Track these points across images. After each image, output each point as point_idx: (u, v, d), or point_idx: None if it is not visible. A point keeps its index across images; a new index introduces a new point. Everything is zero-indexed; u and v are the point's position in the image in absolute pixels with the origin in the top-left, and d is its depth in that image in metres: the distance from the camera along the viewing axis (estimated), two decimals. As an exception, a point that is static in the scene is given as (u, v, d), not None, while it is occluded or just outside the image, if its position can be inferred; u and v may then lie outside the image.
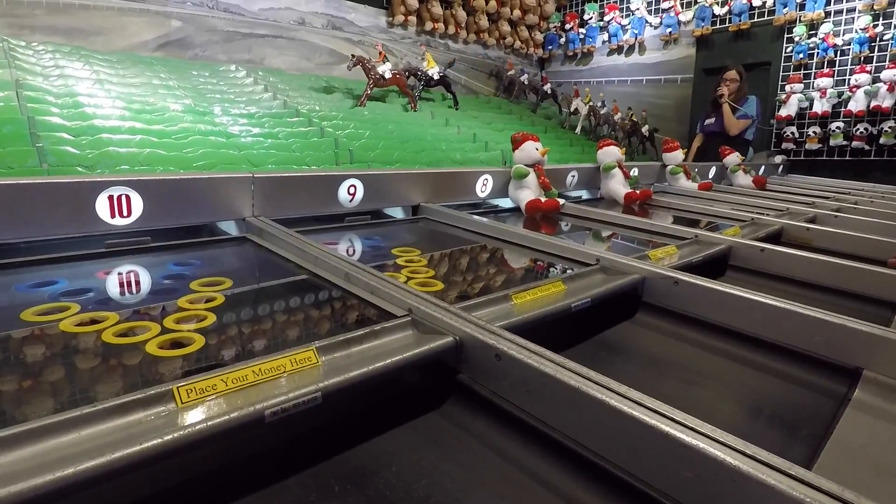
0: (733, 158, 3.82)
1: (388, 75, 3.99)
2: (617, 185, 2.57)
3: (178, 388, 0.60)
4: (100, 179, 1.18)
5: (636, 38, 6.20)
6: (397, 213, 1.92)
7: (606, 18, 6.45)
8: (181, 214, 1.33)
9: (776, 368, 1.02)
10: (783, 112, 5.22)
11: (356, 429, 0.70)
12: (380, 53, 4.06)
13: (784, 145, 5.29)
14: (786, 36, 5.19)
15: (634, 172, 2.71)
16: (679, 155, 3.26)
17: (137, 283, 1.19)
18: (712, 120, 4.88)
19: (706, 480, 0.55)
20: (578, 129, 5.56)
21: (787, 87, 5.18)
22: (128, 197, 1.20)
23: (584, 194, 2.81)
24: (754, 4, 5.29)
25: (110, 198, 1.18)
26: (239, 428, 0.57)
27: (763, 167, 4.67)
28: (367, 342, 0.78)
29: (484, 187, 2.15)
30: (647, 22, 6.12)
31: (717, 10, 5.56)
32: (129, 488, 0.55)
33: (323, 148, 2.98)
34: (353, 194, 1.68)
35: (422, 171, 1.97)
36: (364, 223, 1.76)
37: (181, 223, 1.36)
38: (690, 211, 2.44)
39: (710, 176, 3.88)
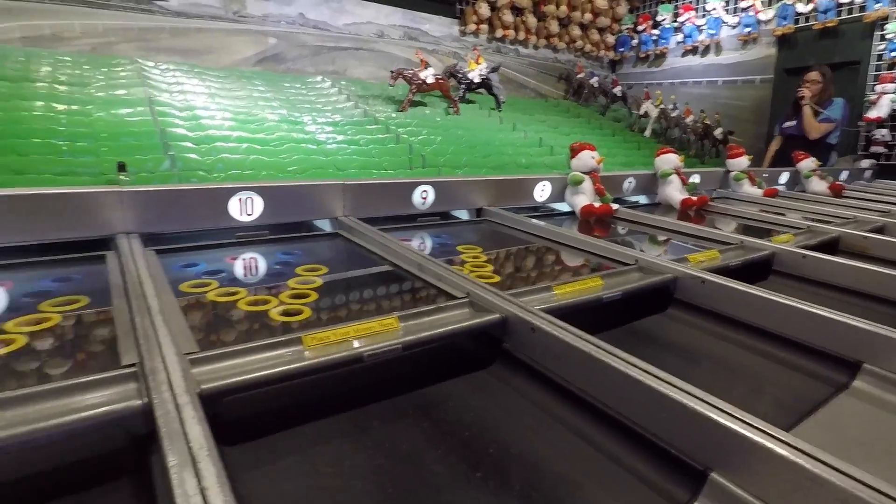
0: (807, 164, 3.73)
1: (430, 80, 4.23)
2: (673, 192, 2.67)
3: (304, 335, 0.88)
4: (232, 186, 1.52)
5: (712, 39, 6.08)
6: (463, 214, 2.16)
7: (681, 19, 6.36)
8: (290, 213, 1.66)
9: (784, 358, 1.16)
10: (872, 114, 4.95)
11: (424, 376, 0.95)
12: (421, 61, 4.31)
13: (873, 149, 5.01)
14: (877, 33, 4.92)
15: (694, 179, 2.79)
16: (744, 161, 3.26)
17: (257, 267, 1.51)
18: (792, 123, 4.71)
19: (702, 436, 0.73)
20: (648, 133, 5.55)
21: (878, 88, 4.91)
22: (252, 199, 1.53)
23: (643, 200, 2.92)
24: (842, 1, 5.05)
25: (240, 200, 1.51)
26: (346, 362, 0.84)
27: (846, 172, 4.47)
28: (435, 315, 1.03)
29: (542, 193, 2.35)
30: (723, 22, 5.98)
31: (801, 8, 5.35)
32: (278, 396, 0.83)
33: (398, 153, 3.29)
34: (425, 198, 1.95)
35: (485, 177, 2.20)
36: (434, 223, 2.03)
37: (289, 220, 1.68)
38: (747, 217, 2.50)
39: (783, 181, 3.82)
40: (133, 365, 0.74)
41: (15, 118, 2.48)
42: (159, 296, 0.97)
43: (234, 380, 0.74)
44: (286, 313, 1.17)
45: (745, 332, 1.25)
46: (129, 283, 1.02)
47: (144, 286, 1.00)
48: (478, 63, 4.84)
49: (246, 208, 1.52)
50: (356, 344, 0.88)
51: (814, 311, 1.13)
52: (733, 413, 0.74)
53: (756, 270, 1.72)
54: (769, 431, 0.71)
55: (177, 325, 0.89)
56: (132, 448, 0.67)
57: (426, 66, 4.26)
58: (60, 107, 2.77)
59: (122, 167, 2.07)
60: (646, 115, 5.69)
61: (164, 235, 1.51)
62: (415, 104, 4.28)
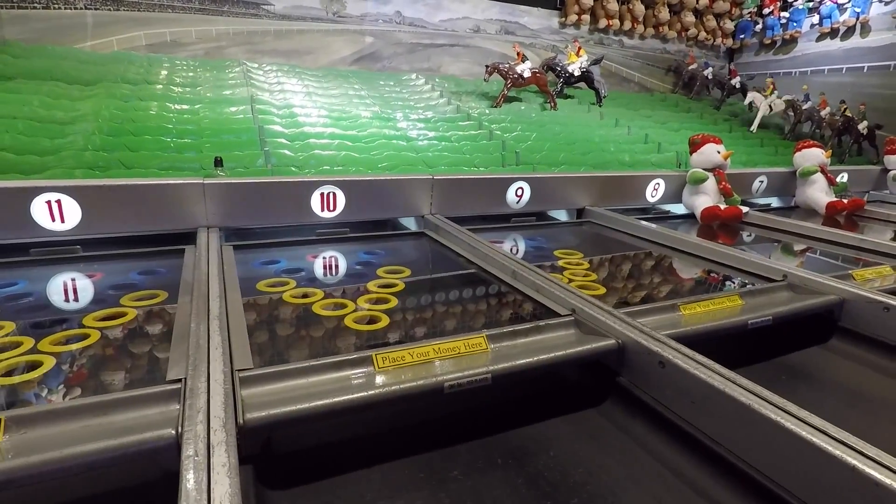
0: None
1: (526, 74, 3.94)
2: (817, 193, 2.24)
3: (376, 355, 0.73)
4: (315, 179, 1.43)
5: (857, 18, 5.24)
6: (562, 215, 1.94)
7: (818, -2, 5.56)
8: (373, 210, 1.55)
9: None
10: None
11: (519, 412, 0.77)
12: (518, 54, 4.03)
13: None
14: None
15: (843, 178, 2.34)
16: (908, 157, 2.70)
17: (337, 266, 1.41)
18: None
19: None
20: (755, 127, 4.78)
21: None
22: (334, 194, 1.44)
23: (775, 202, 2.50)
24: None
25: (322, 195, 1.42)
26: (423, 394, 0.68)
27: None
28: (532, 336, 0.84)
29: (655, 192, 2.06)
30: (874, -2, 5.14)
31: (982, -25, 4.44)
32: (339, 428, 0.69)
33: (491, 150, 3.12)
34: (521, 196, 1.76)
35: (589, 174, 1.97)
36: (529, 224, 1.83)
37: (373, 217, 1.57)
38: (919, 226, 2.03)
39: (955, 183, 3.15)
40: (179, 381, 0.63)
41: (131, 117, 2.63)
42: (224, 298, 0.87)
43: (286, 409, 0.61)
44: (363, 320, 1.04)
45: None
46: (196, 282, 0.94)
47: (210, 287, 0.91)
48: (578, 55, 4.54)
49: (328, 203, 1.43)
50: (436, 370, 0.72)
51: None
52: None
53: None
54: None
55: (236, 333, 0.78)
56: (165, 485, 0.55)
57: (523, 59, 4.05)
58: (173, 106, 2.92)
59: (218, 162, 2.08)
60: (751, 107, 4.94)
61: (247, 230, 1.46)
62: (510, 99, 4.07)
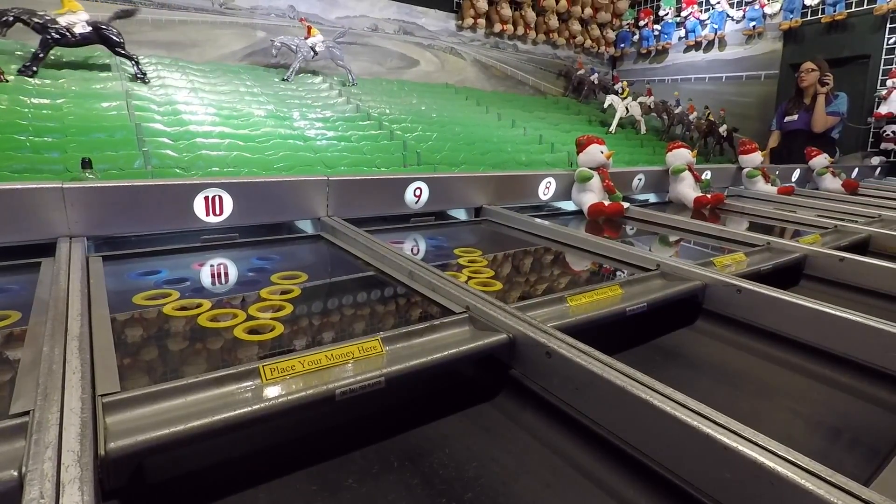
0: (821, 160, 3.56)
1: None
2: (686, 189, 2.49)
3: (263, 366, 0.70)
4: (198, 182, 1.33)
5: (716, 34, 5.91)
6: (461, 214, 1.98)
7: (684, 14, 6.19)
8: (265, 213, 1.47)
9: (844, 383, 0.98)
10: (883, 109, 4.79)
11: (415, 413, 0.77)
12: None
13: (883, 145, 4.86)
14: (888, 26, 4.76)
15: (707, 175, 2.62)
16: (757, 157, 3.09)
17: (226, 274, 1.33)
18: (794, 116, 4.53)
19: (745, 482, 0.57)
20: (613, 128, 5.11)
21: (889, 82, 4.75)
22: (220, 197, 1.35)
23: (652, 198, 2.74)
24: (852, -7, 4.89)
25: (206, 198, 1.33)
26: (313, 404, 0.66)
27: (857, 170, 4.31)
28: (427, 335, 0.85)
29: (547, 190, 2.17)
30: (728, 16, 5.82)
31: (809, 1, 5.19)
32: (222, 448, 0.65)
33: (392, 150, 3.11)
34: (419, 196, 1.77)
35: (485, 174, 2.02)
36: (428, 224, 1.84)
37: (265, 221, 1.50)
38: (766, 217, 2.33)
39: (794, 179, 3.65)
40: (26, 413, 0.56)
41: (-25, 112, 2.29)
42: (87, 315, 0.78)
43: (157, 434, 0.56)
44: (254, 331, 0.99)
45: (790, 349, 1.08)
46: (53, 299, 0.84)
47: (70, 304, 0.81)
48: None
49: (213, 207, 1.34)
50: (328, 377, 0.70)
51: (883, 327, 0.95)
52: (807, 467, 0.56)
53: (787, 275, 1.55)
54: (848, 489, 0.54)
55: (102, 354, 0.70)
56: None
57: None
58: (29, 100, 2.58)
59: (86, 163, 1.88)
60: (610, 108, 5.27)
61: (120, 239, 1.33)
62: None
